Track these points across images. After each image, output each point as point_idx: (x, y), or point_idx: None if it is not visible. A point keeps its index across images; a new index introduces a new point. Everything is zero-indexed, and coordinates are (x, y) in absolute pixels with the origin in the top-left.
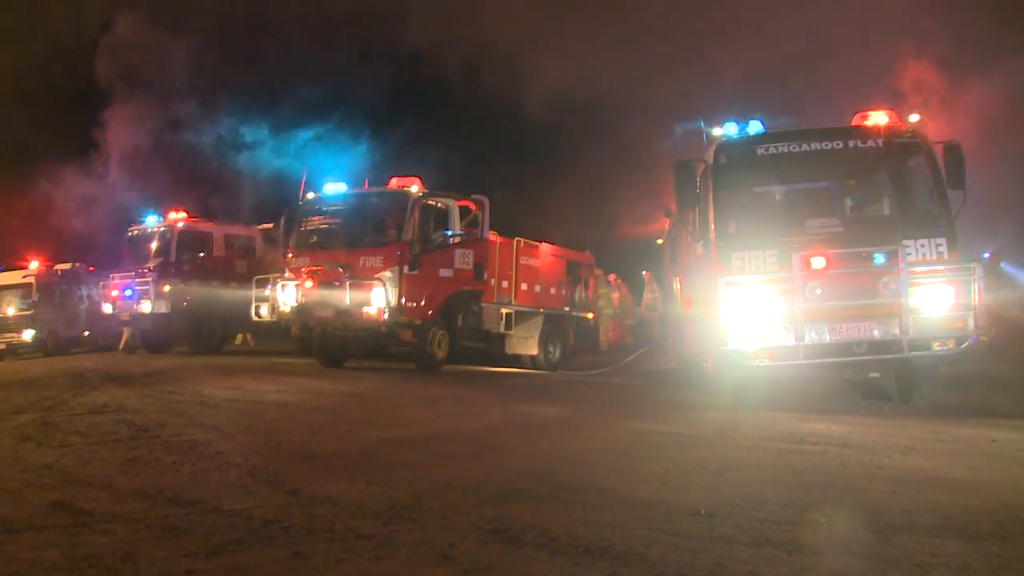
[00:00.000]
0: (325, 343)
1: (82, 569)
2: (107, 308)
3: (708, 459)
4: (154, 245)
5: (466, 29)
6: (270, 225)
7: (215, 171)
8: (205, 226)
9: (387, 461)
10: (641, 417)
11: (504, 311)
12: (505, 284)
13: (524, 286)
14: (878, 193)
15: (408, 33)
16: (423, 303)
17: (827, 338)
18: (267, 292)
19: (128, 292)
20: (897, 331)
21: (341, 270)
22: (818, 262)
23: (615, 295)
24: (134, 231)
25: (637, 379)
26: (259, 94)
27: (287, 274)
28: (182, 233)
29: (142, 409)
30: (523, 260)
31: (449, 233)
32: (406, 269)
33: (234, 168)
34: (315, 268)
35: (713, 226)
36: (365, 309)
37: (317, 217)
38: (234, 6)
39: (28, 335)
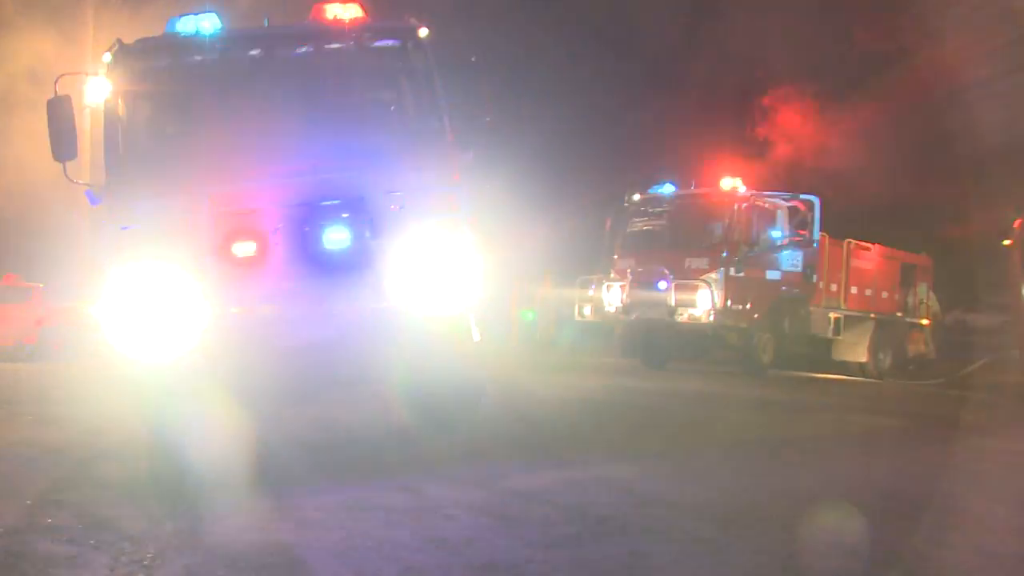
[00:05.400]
0: (649, 344)
1: (430, 550)
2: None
3: None
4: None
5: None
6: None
7: None
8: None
9: (718, 464)
10: (988, 433)
11: (832, 315)
12: (834, 287)
13: (854, 289)
14: None
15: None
16: (749, 305)
17: None
18: (591, 292)
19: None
20: None
21: (667, 271)
22: None
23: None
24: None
25: (978, 392)
26: None
27: (612, 275)
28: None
29: None
30: (853, 262)
31: (777, 235)
32: (733, 271)
33: None
34: (641, 268)
35: None
36: (690, 311)
37: (643, 217)
38: None
39: None
